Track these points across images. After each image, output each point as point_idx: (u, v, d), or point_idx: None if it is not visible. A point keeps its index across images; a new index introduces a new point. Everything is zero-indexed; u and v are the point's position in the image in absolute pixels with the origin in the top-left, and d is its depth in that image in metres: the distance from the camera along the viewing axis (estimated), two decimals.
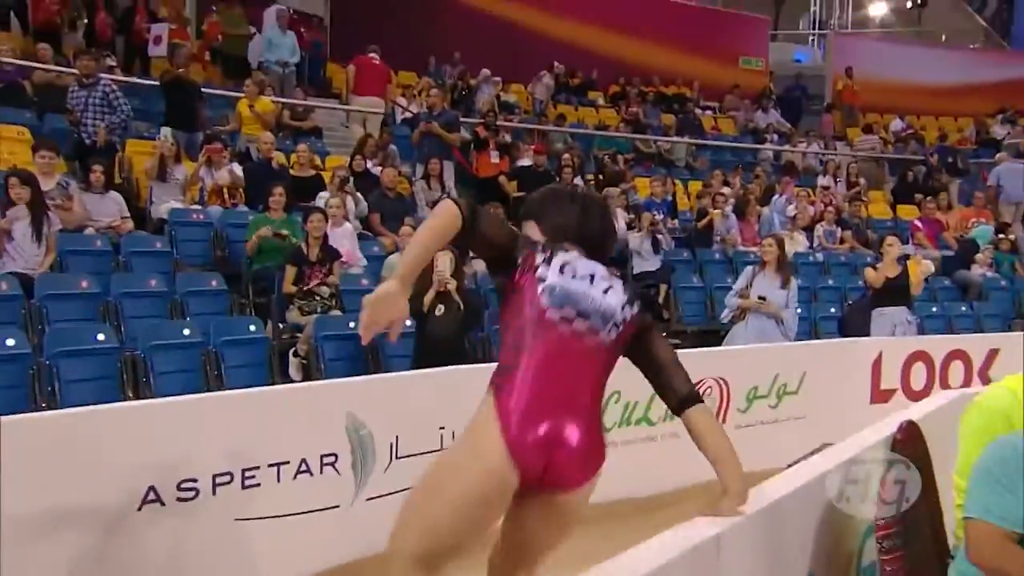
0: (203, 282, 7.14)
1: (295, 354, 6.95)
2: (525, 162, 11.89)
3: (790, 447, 4.97)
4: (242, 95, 10.62)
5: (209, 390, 5.96)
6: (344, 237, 8.13)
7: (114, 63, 11.85)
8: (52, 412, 4.33)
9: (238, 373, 6.17)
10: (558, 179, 11.12)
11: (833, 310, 9.79)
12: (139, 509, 3.73)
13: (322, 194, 8.87)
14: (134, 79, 11.60)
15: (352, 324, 7.00)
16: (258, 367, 6.34)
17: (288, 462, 4.20)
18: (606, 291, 2.32)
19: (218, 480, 3.94)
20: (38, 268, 6.58)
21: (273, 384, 6.31)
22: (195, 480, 3.88)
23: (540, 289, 2.25)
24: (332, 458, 4.41)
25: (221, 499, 3.95)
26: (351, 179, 9.30)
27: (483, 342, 7.47)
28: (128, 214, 7.96)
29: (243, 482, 4.04)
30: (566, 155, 11.78)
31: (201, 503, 3.87)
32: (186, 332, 6.13)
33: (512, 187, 11.29)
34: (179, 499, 3.84)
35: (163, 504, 3.79)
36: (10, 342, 5.36)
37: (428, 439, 4.84)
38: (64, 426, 3.65)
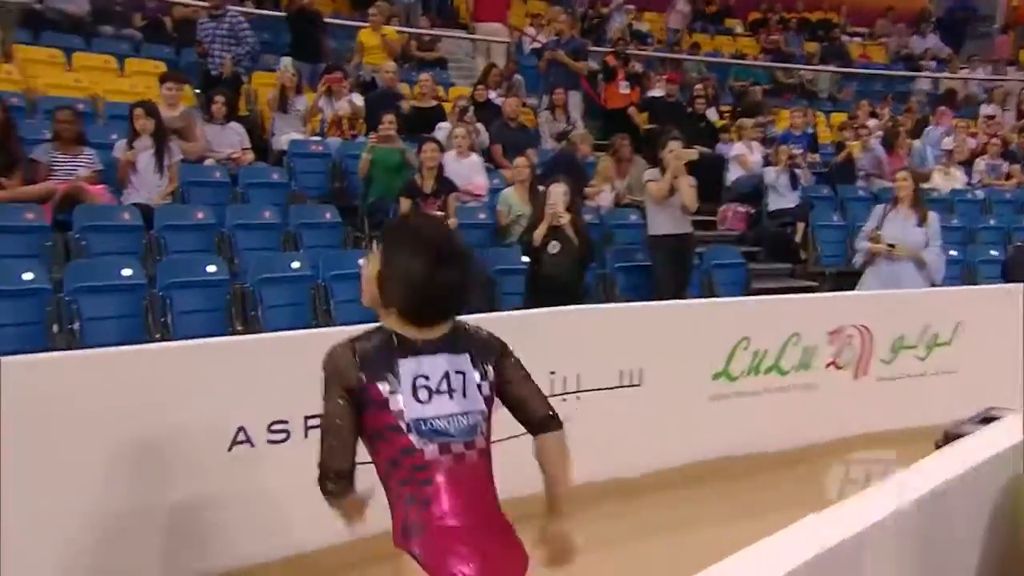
0: (317, 214, 6.96)
1: None
2: (657, 93, 11.23)
3: (940, 404, 4.38)
4: (366, 25, 10.36)
5: (317, 325, 5.80)
6: (470, 168, 7.81)
7: None
8: (153, 345, 4.22)
9: (347, 308, 5.96)
10: (690, 110, 10.45)
11: (995, 252, 8.83)
12: (229, 449, 3.55)
13: (441, 125, 8.54)
14: (261, 11, 11.50)
15: None
16: None
17: None
18: (465, 390, 2.06)
19: (310, 423, 3.69)
20: (159, 199, 6.52)
21: None
22: (286, 422, 3.66)
23: (405, 427, 2.00)
24: None
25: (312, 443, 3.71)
26: (470, 109, 8.91)
27: (602, 280, 7.05)
28: (249, 145, 7.86)
29: None
30: (699, 85, 11.04)
31: (291, 446, 3.66)
32: (295, 265, 5.95)
33: (642, 119, 10.70)
34: (269, 441, 3.64)
35: (252, 445, 3.59)
36: (126, 272, 5.30)
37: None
38: (166, 359, 3.49)
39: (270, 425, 3.66)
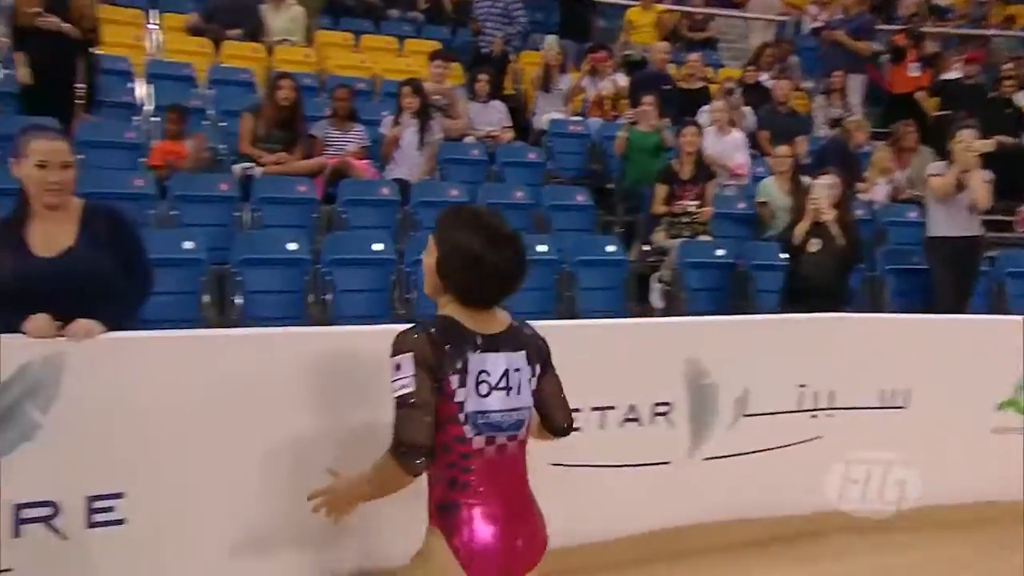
0: (570, 196, 6.81)
1: (659, 280, 6.41)
2: (953, 75, 10.00)
3: None
4: (637, 4, 10.05)
5: (559, 312, 5.64)
6: (732, 146, 7.35)
7: None
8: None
9: (592, 295, 5.78)
10: (994, 94, 9.20)
11: None
12: None
13: (704, 108, 8.09)
14: None
15: (720, 252, 6.28)
16: (614, 290, 5.89)
17: (613, 407, 3.71)
18: (520, 387, 2.18)
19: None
20: (419, 175, 6.63)
21: (629, 310, 5.88)
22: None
23: (463, 418, 2.10)
24: (666, 408, 3.83)
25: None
26: (736, 90, 8.36)
27: (870, 285, 6.34)
28: (510, 124, 7.85)
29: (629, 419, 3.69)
30: (1009, 65, 9.67)
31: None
32: (541, 248, 5.82)
33: (932, 105, 9.58)
34: None
35: None
36: (377, 247, 5.40)
37: (784, 397, 4.09)
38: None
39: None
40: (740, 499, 3.97)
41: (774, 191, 6.77)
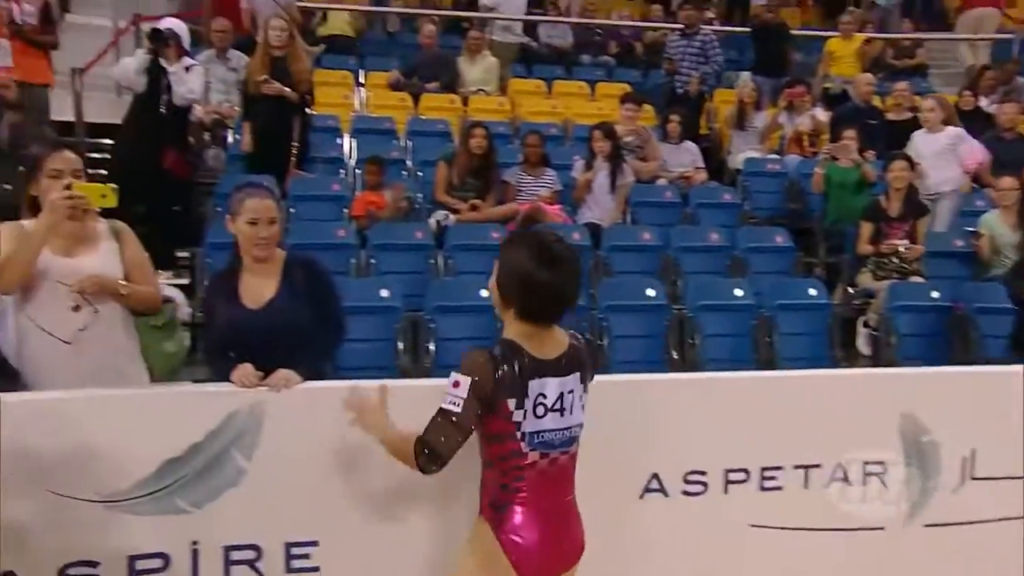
0: (768, 237, 6.48)
1: (865, 324, 5.96)
2: None
3: None
4: (835, 34, 9.58)
5: (758, 359, 5.35)
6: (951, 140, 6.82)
7: (713, 15, 11.65)
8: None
9: (793, 342, 5.45)
10: None
11: None
12: (641, 497, 3.27)
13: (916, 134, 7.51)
14: (730, 27, 11.26)
15: (934, 294, 5.76)
16: (816, 336, 5.53)
17: (819, 465, 3.41)
18: (572, 407, 2.36)
19: (731, 476, 3.33)
20: (610, 219, 6.55)
21: (833, 358, 5.49)
22: (703, 473, 3.30)
23: (519, 435, 2.30)
24: (879, 467, 3.48)
25: (733, 499, 3.31)
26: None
27: None
28: (702, 164, 7.64)
29: (761, 482, 3.36)
30: None
31: (709, 500, 3.29)
32: (738, 292, 5.56)
33: None
34: (684, 492, 3.30)
35: (666, 495, 3.28)
36: (649, 292, 5.41)
37: (1020, 459, 3.61)
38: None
39: (687, 475, 3.31)
40: (968, 574, 3.54)
41: (998, 226, 6.16)
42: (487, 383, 2.24)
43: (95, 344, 3.09)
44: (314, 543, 3.02)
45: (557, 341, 2.35)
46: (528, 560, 2.33)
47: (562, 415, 2.34)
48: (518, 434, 2.30)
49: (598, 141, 6.63)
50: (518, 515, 2.35)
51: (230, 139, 7.11)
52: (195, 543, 2.93)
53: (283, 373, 2.91)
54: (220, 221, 4.34)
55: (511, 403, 2.27)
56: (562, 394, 2.33)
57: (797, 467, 3.38)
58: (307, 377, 2.96)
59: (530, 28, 10.48)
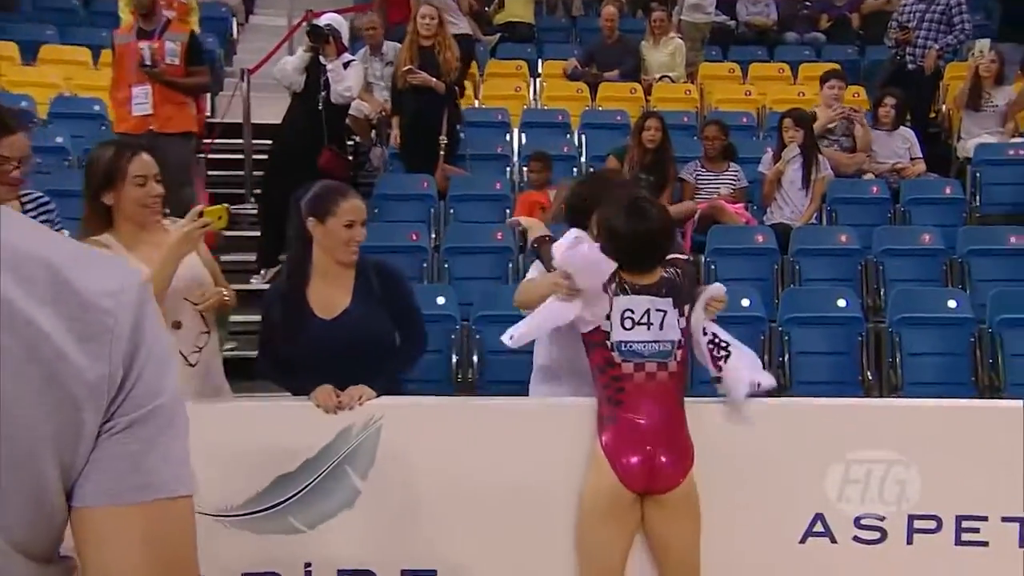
0: (997, 238, 6.01)
1: None
2: None
3: None
4: None
5: (978, 384, 5.00)
6: None
7: None
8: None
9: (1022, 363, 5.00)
10: None
11: None
12: (801, 541, 3.12)
13: None
14: None
15: None
16: None
17: None
18: (662, 324, 2.88)
19: (918, 524, 3.13)
20: (803, 219, 6.29)
21: None
22: (881, 518, 3.10)
23: (610, 345, 2.86)
24: None
25: (919, 552, 3.11)
26: None
27: None
28: (920, 154, 7.14)
29: (958, 534, 3.13)
30: None
31: (887, 551, 3.09)
32: (951, 304, 5.22)
33: None
34: (856, 539, 3.11)
35: (834, 542, 3.10)
36: (744, 302, 5.15)
37: None
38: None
39: (859, 519, 3.12)
40: None
41: None
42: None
43: (206, 361, 3.21)
44: (432, 572, 3.10)
45: (654, 274, 2.91)
46: (627, 468, 2.83)
47: (648, 329, 2.86)
48: (609, 343, 2.85)
49: (789, 129, 6.38)
50: (618, 423, 2.86)
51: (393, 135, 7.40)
52: (308, 565, 3.07)
53: (355, 391, 3.00)
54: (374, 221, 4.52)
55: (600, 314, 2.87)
56: (649, 311, 2.86)
57: (1008, 520, 3.11)
58: (383, 391, 3.04)
59: (727, 5, 10.18)
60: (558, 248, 2.90)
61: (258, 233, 6.50)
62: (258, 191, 6.94)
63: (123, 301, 0.91)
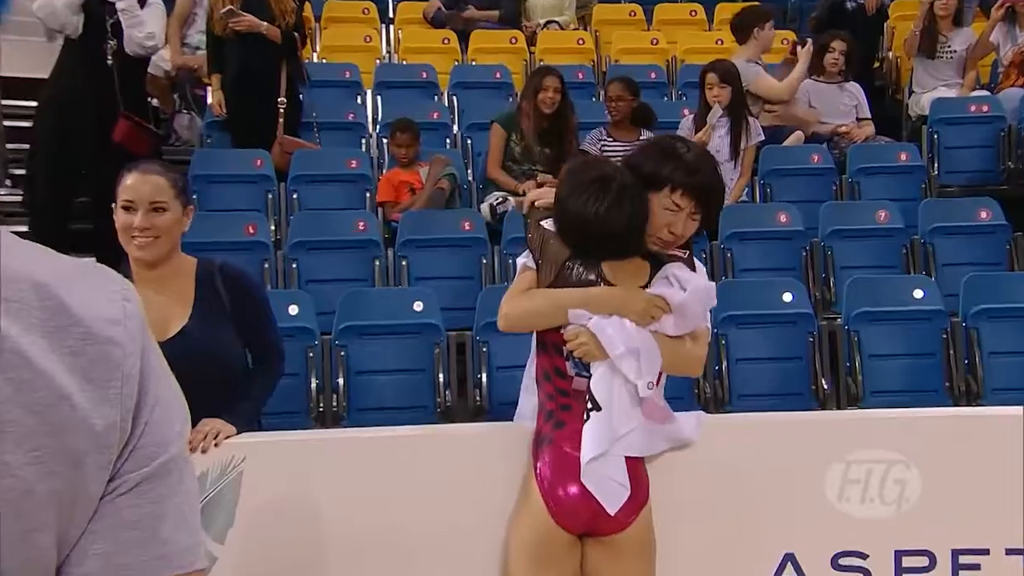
0: (966, 213, 6.47)
1: None
2: None
3: None
4: None
5: (953, 388, 5.42)
6: None
7: None
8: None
9: (1004, 365, 5.41)
10: None
11: None
12: None
13: None
14: None
15: None
16: None
17: None
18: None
19: (906, 563, 3.35)
20: (734, 196, 6.60)
21: None
22: (863, 556, 3.33)
23: (565, 352, 2.92)
24: None
25: None
26: None
27: None
28: (868, 114, 7.59)
29: (955, 571, 3.36)
30: None
31: None
32: (917, 294, 5.61)
33: None
34: None
35: None
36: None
37: None
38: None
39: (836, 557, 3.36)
40: None
41: None
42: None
43: None
44: None
45: (632, 269, 2.96)
46: (563, 505, 2.90)
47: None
48: (564, 350, 2.89)
49: (713, 87, 6.66)
50: (556, 451, 2.93)
51: (210, 100, 7.35)
52: None
53: (210, 425, 3.04)
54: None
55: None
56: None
57: (1012, 552, 3.33)
58: (244, 426, 3.11)
59: None
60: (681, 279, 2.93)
61: (24, 228, 6.35)
62: (21, 171, 6.77)
63: (130, 329, 0.90)
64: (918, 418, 3.68)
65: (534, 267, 3.00)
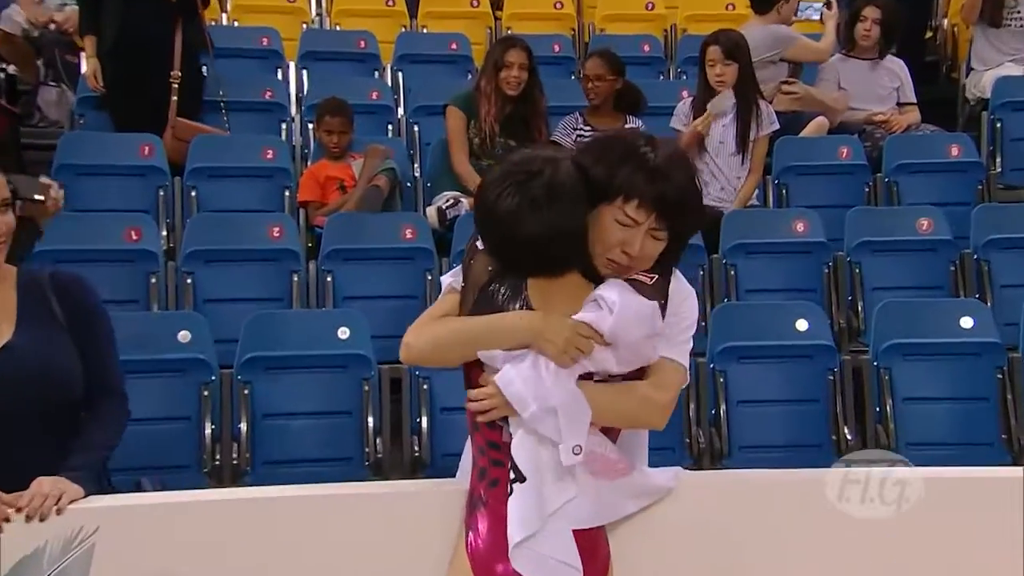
0: None
1: None
2: None
3: None
4: None
5: (1009, 440, 5.39)
6: None
7: None
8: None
9: None
10: None
11: None
12: None
13: None
14: None
15: None
16: None
17: None
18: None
19: None
20: (740, 200, 6.61)
21: None
22: None
23: None
24: None
25: None
26: None
27: None
28: (912, 98, 7.65)
29: None
30: None
31: None
32: (965, 323, 5.55)
33: None
34: None
35: None
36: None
37: None
38: None
39: None
40: None
41: None
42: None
43: None
44: None
45: (569, 299, 2.83)
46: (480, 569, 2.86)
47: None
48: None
49: (716, 64, 6.63)
50: (493, 513, 2.85)
51: (84, 69, 7.24)
52: None
53: (49, 486, 2.92)
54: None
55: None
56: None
57: None
58: (92, 486, 3.01)
59: None
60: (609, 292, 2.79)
61: None
62: None
63: None
64: (970, 479, 3.57)
65: (460, 288, 2.90)
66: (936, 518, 3.28)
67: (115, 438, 3.27)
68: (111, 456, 3.32)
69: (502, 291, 2.82)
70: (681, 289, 2.94)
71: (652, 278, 2.84)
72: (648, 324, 2.76)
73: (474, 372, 2.84)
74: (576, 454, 2.74)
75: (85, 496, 2.98)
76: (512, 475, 2.77)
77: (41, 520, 2.90)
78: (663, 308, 2.81)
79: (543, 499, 2.78)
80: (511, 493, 2.77)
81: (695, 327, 2.95)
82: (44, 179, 3.89)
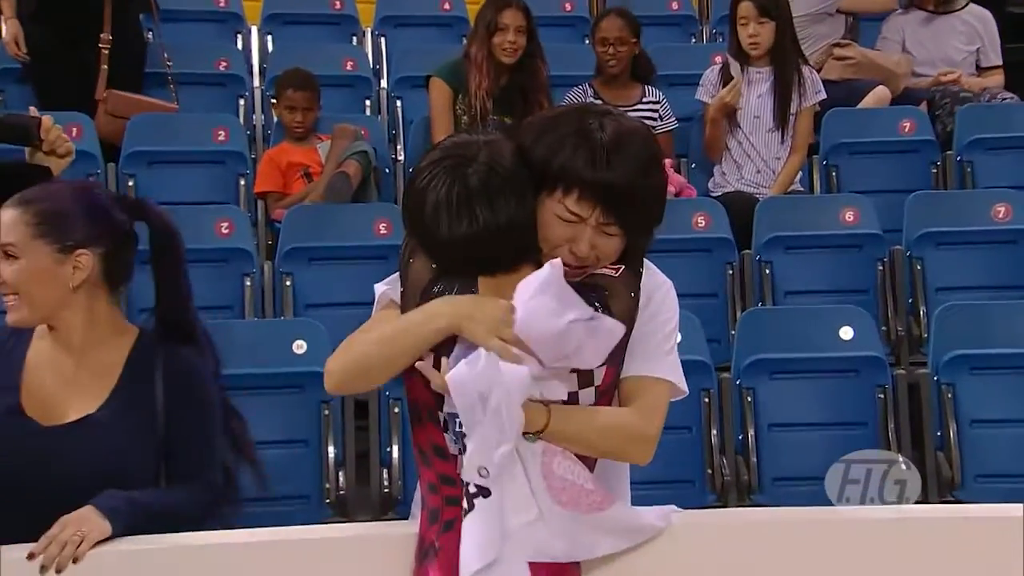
0: None
1: None
2: None
3: None
4: None
5: None
6: None
7: None
8: None
9: None
10: None
11: None
12: None
13: None
14: None
15: None
16: None
17: None
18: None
19: None
20: (775, 185, 6.67)
21: None
22: None
23: (441, 420, 2.80)
24: None
25: None
26: None
27: None
28: (996, 60, 7.71)
29: None
30: None
31: None
32: None
33: None
34: None
35: None
36: None
37: None
38: None
39: None
40: None
41: None
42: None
43: None
44: None
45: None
46: None
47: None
48: (440, 415, 2.79)
49: (749, 22, 6.67)
50: (447, 560, 2.78)
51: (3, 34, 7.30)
52: None
53: (69, 529, 2.87)
54: None
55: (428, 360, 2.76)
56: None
57: None
58: (127, 524, 2.97)
59: None
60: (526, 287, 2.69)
61: None
62: None
63: None
64: None
65: (399, 295, 2.86)
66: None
67: (181, 506, 3.21)
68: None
69: (449, 293, 2.75)
70: (657, 284, 2.89)
71: (618, 269, 2.81)
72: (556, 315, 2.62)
73: (418, 394, 2.80)
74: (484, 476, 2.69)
75: (112, 536, 2.92)
76: (472, 489, 2.69)
77: (57, 573, 2.94)
78: (635, 305, 2.79)
79: (504, 514, 2.73)
80: (468, 511, 2.70)
81: (678, 332, 2.89)
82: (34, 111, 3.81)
